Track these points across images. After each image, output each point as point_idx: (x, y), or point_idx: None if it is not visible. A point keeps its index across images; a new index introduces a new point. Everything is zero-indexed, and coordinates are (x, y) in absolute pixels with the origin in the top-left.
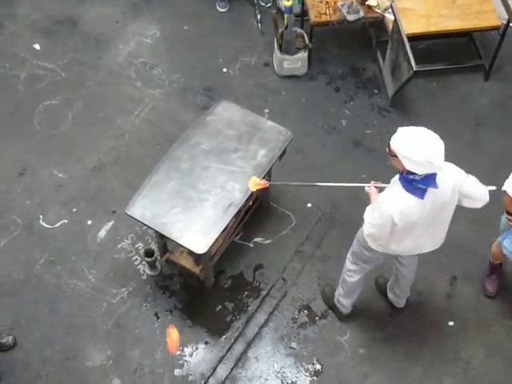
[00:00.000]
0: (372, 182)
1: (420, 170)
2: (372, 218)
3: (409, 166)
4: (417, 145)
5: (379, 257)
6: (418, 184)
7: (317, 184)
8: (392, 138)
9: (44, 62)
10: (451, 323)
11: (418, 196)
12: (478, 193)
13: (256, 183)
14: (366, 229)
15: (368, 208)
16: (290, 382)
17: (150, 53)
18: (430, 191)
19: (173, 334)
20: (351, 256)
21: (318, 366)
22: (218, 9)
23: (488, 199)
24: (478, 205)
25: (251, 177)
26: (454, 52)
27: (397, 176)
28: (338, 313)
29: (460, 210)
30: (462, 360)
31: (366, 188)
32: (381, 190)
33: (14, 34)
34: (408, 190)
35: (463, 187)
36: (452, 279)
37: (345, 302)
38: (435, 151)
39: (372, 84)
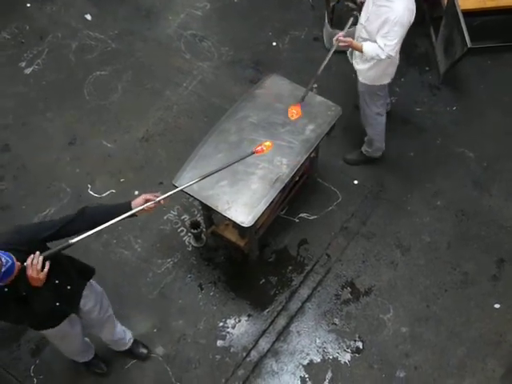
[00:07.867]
0: (336, 38)
1: None
2: (393, 42)
3: None
4: None
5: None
6: None
7: None
8: None
9: (95, 32)
10: (497, 305)
11: None
12: None
13: (294, 107)
14: (389, 53)
15: (374, 46)
16: (331, 357)
17: (199, 25)
18: None
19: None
20: (370, 105)
21: (360, 343)
22: None
23: None
24: None
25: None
26: (510, 29)
27: None
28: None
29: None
30: (507, 342)
31: (341, 44)
32: (348, 34)
33: (67, 4)
34: None
35: None
36: (499, 262)
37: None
38: None
39: (423, 61)
